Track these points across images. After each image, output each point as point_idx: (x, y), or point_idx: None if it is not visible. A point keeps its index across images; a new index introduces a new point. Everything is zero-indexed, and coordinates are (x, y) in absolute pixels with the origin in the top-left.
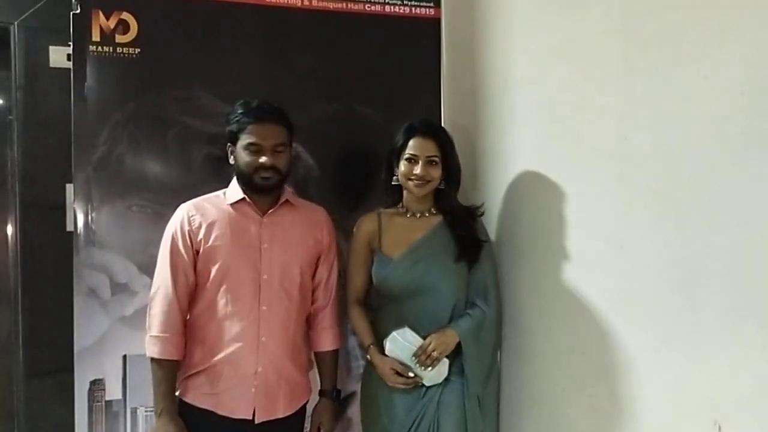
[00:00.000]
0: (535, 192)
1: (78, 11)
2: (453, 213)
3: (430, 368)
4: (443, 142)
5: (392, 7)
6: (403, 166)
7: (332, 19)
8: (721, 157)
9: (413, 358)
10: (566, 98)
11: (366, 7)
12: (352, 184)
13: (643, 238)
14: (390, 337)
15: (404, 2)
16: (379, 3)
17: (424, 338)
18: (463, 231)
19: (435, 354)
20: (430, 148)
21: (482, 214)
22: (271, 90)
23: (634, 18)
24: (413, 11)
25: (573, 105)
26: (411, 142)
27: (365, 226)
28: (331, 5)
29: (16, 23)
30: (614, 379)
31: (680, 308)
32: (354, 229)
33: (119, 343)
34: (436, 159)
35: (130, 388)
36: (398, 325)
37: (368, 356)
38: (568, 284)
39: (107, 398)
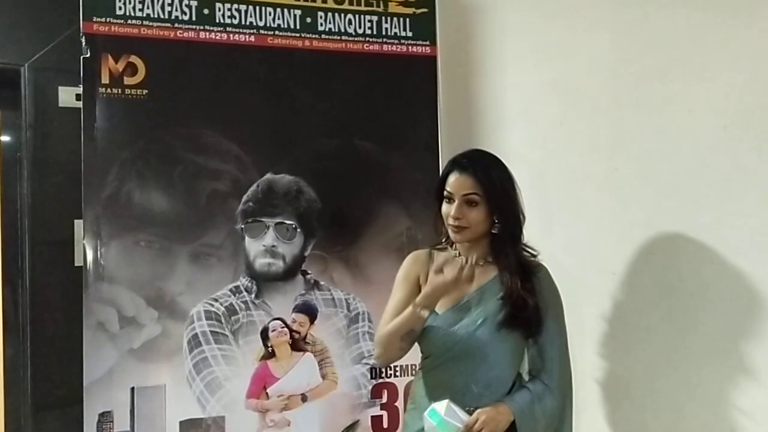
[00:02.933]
0: (530, 223)
1: (88, 55)
2: (508, 270)
3: None
4: (484, 177)
5: (390, 46)
6: (444, 206)
7: (332, 58)
8: (707, 189)
9: None
10: (558, 133)
11: (364, 47)
12: (353, 216)
13: (635, 266)
14: (428, 411)
15: (401, 41)
16: (377, 42)
17: (471, 413)
18: (514, 297)
19: None
20: (466, 185)
21: (536, 255)
22: (274, 126)
23: (621, 57)
24: (410, 50)
25: (565, 140)
26: (449, 178)
27: (415, 263)
28: (331, 45)
29: (26, 65)
30: (611, 405)
31: (672, 335)
32: (404, 263)
33: (127, 375)
34: (476, 198)
35: (138, 420)
36: (441, 395)
37: (422, 310)
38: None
39: (116, 430)
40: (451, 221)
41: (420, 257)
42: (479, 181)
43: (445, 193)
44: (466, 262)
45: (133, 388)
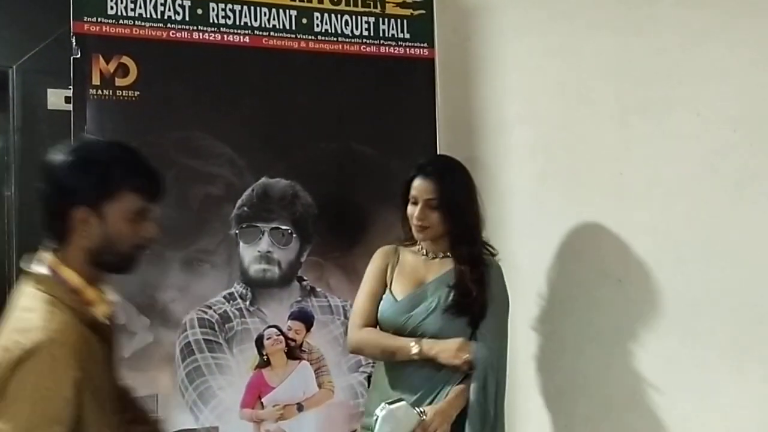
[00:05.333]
0: (533, 229)
1: (78, 56)
2: (461, 263)
3: None
4: (445, 183)
5: (387, 48)
6: (409, 207)
7: (329, 60)
8: (716, 194)
9: None
10: (561, 137)
11: (362, 49)
12: (351, 222)
13: (641, 273)
14: (382, 413)
15: (399, 43)
16: (374, 44)
17: (422, 412)
18: (461, 286)
19: None
20: (428, 190)
21: (495, 254)
22: (269, 129)
23: (626, 59)
24: (408, 52)
25: (568, 144)
26: (414, 182)
27: (383, 256)
28: (328, 47)
29: (14, 67)
30: (617, 416)
31: (682, 343)
32: (374, 257)
33: None
34: (435, 203)
35: None
36: (395, 380)
37: (417, 351)
38: (567, 319)
39: None
40: (415, 221)
41: (388, 251)
42: (439, 188)
43: (411, 196)
44: (427, 254)
45: None
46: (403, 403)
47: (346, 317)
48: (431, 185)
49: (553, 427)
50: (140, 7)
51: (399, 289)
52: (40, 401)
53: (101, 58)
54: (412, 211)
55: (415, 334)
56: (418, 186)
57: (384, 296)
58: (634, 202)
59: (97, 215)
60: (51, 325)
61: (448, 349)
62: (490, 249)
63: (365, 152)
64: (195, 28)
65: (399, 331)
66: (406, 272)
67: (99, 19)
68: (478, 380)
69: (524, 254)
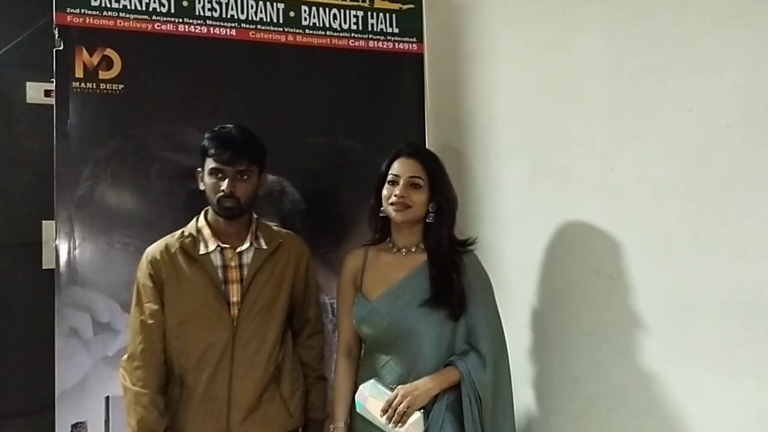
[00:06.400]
0: (523, 226)
1: (61, 48)
2: (437, 252)
3: (400, 425)
4: (430, 164)
5: (376, 43)
6: (385, 189)
7: (317, 54)
8: (707, 190)
9: (383, 413)
10: (552, 133)
11: (350, 43)
12: (338, 218)
13: (632, 270)
14: (357, 392)
15: (387, 38)
16: (362, 38)
17: (392, 388)
18: (441, 276)
19: (402, 408)
20: (412, 169)
21: (471, 243)
22: (256, 124)
23: (618, 54)
24: (396, 47)
25: (558, 140)
26: (394, 164)
27: (350, 262)
28: (315, 41)
29: None
30: (606, 412)
31: (672, 340)
32: (342, 266)
33: (102, 384)
34: (420, 182)
35: (113, 431)
36: (374, 376)
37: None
38: (557, 316)
39: None
40: (394, 200)
41: (355, 256)
42: (424, 167)
43: (390, 177)
44: (399, 250)
45: (107, 398)
46: (371, 381)
47: (334, 314)
48: (415, 164)
49: (541, 425)
50: None
51: (372, 290)
52: (138, 287)
53: (84, 51)
54: (390, 191)
55: (394, 333)
56: (401, 165)
57: (357, 300)
58: (625, 199)
59: (202, 174)
60: (150, 246)
61: None
62: (460, 239)
63: (353, 147)
64: (181, 20)
65: (378, 333)
66: (377, 271)
67: (82, 11)
68: (467, 393)
69: (514, 250)
